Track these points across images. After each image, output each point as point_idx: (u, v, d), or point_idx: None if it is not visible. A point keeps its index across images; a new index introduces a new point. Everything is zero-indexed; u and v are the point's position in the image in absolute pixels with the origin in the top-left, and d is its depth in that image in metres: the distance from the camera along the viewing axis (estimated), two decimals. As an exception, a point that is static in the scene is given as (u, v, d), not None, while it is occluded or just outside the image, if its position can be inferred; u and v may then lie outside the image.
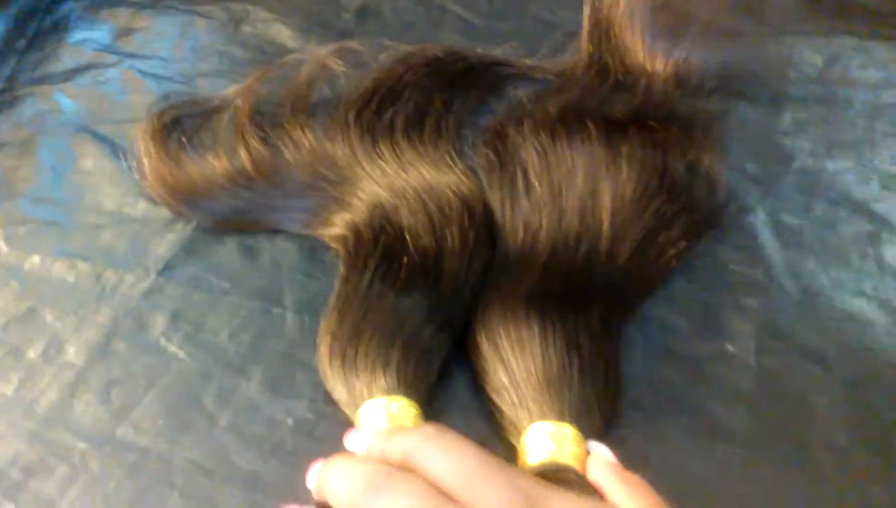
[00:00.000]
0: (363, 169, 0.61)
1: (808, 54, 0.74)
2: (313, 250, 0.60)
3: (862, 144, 0.68)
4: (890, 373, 0.55)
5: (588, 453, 0.47)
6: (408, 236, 0.57)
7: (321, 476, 0.41)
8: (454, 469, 0.38)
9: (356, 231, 0.58)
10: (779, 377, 0.54)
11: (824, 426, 0.52)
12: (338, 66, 0.69)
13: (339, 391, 0.50)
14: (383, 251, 0.56)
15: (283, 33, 0.76)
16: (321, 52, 0.70)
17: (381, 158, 0.62)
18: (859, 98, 0.71)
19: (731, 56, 0.74)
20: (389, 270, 0.55)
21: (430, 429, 0.41)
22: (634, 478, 0.43)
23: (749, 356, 0.55)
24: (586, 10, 0.74)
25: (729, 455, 0.51)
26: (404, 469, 0.40)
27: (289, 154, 0.63)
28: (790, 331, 0.57)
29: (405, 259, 0.55)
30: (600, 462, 0.45)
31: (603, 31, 0.73)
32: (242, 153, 0.63)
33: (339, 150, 0.63)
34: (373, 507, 0.38)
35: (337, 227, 0.59)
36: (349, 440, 0.45)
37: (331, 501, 0.40)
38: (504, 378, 0.50)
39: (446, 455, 0.39)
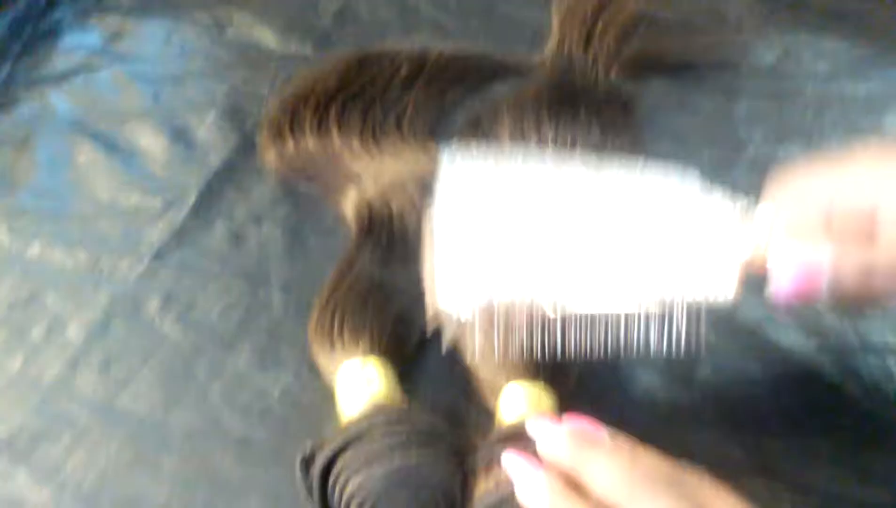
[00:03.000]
0: (359, 159, 0.67)
1: (763, 49, 0.79)
2: (296, 234, 0.64)
3: (811, 132, 0.72)
4: (832, 339, 0.59)
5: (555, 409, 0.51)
6: (395, 217, 0.62)
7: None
8: (616, 482, 0.40)
9: (359, 212, 0.63)
10: (728, 343, 0.59)
11: (768, 390, 0.57)
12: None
13: (321, 357, 0.54)
14: (373, 230, 0.61)
15: (265, 36, 0.80)
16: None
17: (373, 150, 0.68)
18: (809, 89, 0.76)
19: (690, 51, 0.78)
20: (377, 246, 0.59)
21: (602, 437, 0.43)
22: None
23: (700, 325, 0.60)
24: (555, 9, 0.78)
25: (678, 413, 0.55)
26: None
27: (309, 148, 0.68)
28: (741, 302, 0.61)
29: (388, 236, 0.60)
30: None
31: (570, 28, 0.77)
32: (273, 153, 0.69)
33: (339, 144, 0.68)
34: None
35: (349, 208, 0.64)
36: (540, 430, 0.45)
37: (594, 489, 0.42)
38: (484, 345, 0.54)
39: (611, 467, 0.41)
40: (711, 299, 0.49)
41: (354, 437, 0.46)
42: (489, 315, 0.49)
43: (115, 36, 0.79)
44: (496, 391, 0.52)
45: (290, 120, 0.70)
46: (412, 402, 0.51)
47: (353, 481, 0.45)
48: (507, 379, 0.52)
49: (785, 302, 0.49)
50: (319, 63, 0.75)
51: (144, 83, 0.75)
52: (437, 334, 0.57)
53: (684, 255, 0.49)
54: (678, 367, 0.57)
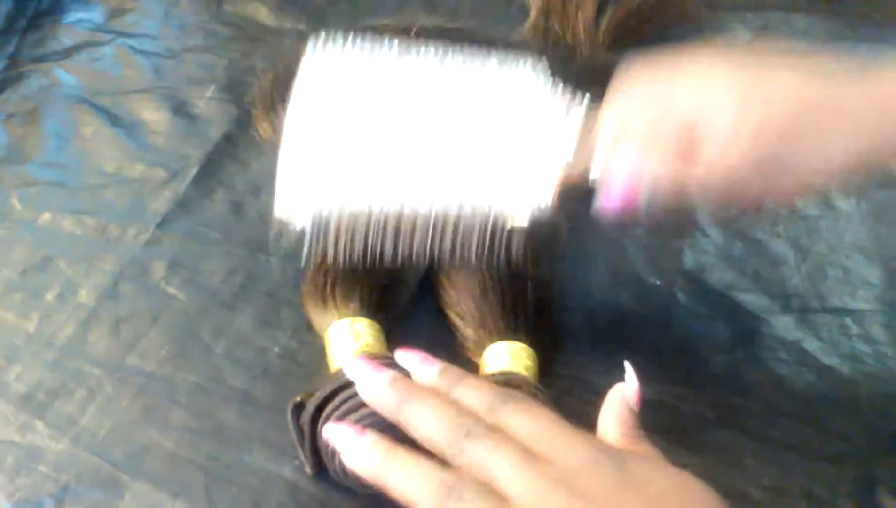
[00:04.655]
0: None
1: (739, 27, 0.82)
2: (294, 204, 0.68)
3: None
4: (795, 302, 0.63)
5: (536, 367, 0.55)
6: None
7: (404, 405, 0.41)
8: (538, 430, 0.40)
9: None
10: (700, 305, 0.63)
11: (732, 343, 0.61)
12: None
13: (314, 317, 0.58)
14: None
15: (260, 12, 0.83)
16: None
17: None
18: (781, 65, 0.79)
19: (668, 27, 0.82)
20: None
21: (508, 388, 0.43)
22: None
23: (675, 289, 0.64)
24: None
25: (653, 372, 0.59)
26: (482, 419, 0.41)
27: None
28: (711, 268, 0.65)
29: None
30: (616, 403, 0.44)
31: (552, 4, 0.81)
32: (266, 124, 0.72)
33: None
34: (469, 455, 0.39)
35: None
36: (414, 364, 0.45)
37: (417, 436, 0.41)
38: (470, 306, 0.59)
39: (529, 415, 0.40)
40: (529, 205, 0.51)
41: (343, 385, 0.50)
42: (325, 222, 0.52)
43: (117, 12, 0.82)
44: (480, 350, 0.56)
45: (282, 93, 0.73)
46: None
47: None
48: (491, 339, 0.56)
49: (610, 214, 0.50)
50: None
51: (146, 58, 0.78)
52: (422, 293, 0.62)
53: (509, 159, 0.51)
54: (651, 329, 0.62)
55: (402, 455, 0.40)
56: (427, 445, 0.40)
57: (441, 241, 0.51)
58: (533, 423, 0.40)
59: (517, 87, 0.53)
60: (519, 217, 0.51)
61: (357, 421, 0.48)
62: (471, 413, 0.41)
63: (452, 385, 0.42)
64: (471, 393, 0.42)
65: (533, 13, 0.81)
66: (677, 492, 0.40)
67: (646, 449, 0.42)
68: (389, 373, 0.43)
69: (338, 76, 0.53)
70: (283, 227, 0.53)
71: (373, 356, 0.52)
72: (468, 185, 0.51)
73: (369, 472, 0.40)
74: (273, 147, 0.70)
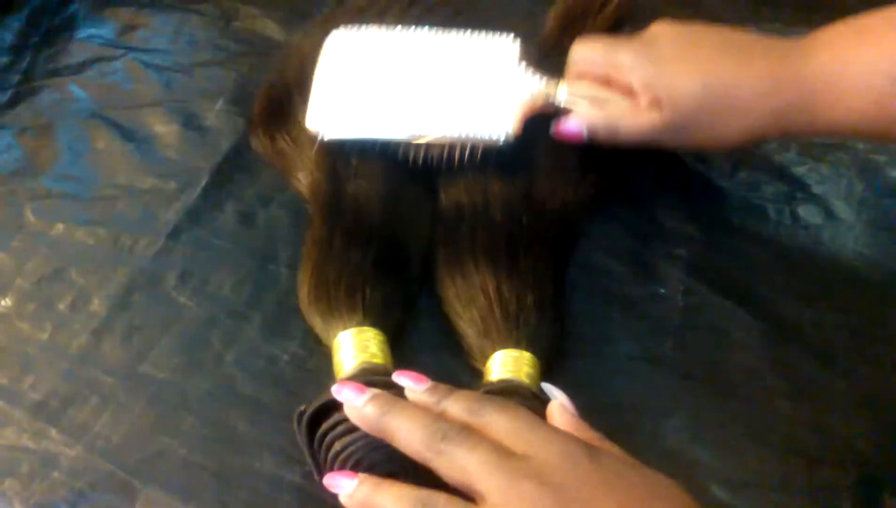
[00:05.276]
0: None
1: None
2: (301, 214, 0.68)
3: (783, 116, 0.77)
4: (796, 309, 0.64)
5: (538, 374, 0.56)
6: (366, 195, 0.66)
7: (385, 417, 0.45)
8: (514, 428, 0.42)
9: (320, 192, 0.66)
10: (703, 313, 0.64)
11: (739, 351, 0.62)
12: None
13: (318, 326, 0.60)
14: (344, 210, 0.64)
15: (269, 27, 0.84)
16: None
17: None
18: (782, 76, 0.80)
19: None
20: (353, 226, 0.63)
21: (487, 395, 0.46)
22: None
23: (678, 297, 0.65)
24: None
25: (657, 378, 0.60)
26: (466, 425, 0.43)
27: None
28: (714, 275, 0.66)
29: (362, 218, 0.64)
30: (561, 415, 0.48)
31: (565, 22, 0.82)
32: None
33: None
34: (446, 457, 0.42)
35: (304, 186, 0.68)
36: (407, 384, 0.48)
37: (398, 444, 0.44)
38: (472, 315, 0.59)
39: (506, 415, 0.43)
40: (496, 132, 0.64)
41: (335, 401, 0.49)
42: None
43: (128, 28, 0.83)
44: (484, 357, 0.57)
45: (278, 109, 0.73)
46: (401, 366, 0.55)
47: (338, 442, 0.50)
48: (494, 347, 0.57)
49: (562, 137, 0.65)
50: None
51: (157, 73, 0.79)
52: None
53: (483, 99, 0.66)
54: (655, 336, 0.62)
55: (385, 484, 0.44)
56: (407, 452, 0.44)
57: (438, 153, 0.65)
58: (510, 422, 0.43)
59: (493, 48, 0.70)
60: (494, 136, 0.65)
61: (349, 444, 0.49)
62: (449, 419, 0.44)
63: (440, 400, 0.45)
64: (454, 404, 0.45)
65: (549, 24, 0.82)
66: (648, 487, 0.42)
67: (610, 447, 0.45)
68: (371, 391, 0.47)
69: (358, 40, 0.71)
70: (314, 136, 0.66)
71: (372, 372, 0.54)
72: (454, 115, 0.66)
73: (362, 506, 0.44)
74: (271, 163, 0.72)
